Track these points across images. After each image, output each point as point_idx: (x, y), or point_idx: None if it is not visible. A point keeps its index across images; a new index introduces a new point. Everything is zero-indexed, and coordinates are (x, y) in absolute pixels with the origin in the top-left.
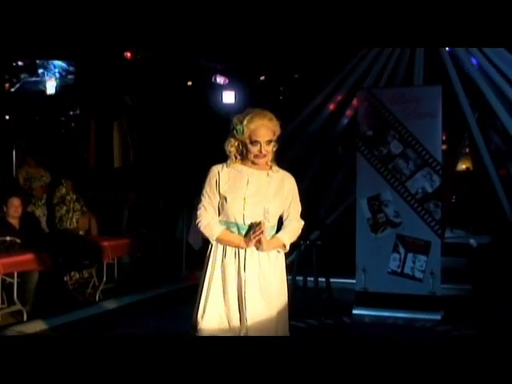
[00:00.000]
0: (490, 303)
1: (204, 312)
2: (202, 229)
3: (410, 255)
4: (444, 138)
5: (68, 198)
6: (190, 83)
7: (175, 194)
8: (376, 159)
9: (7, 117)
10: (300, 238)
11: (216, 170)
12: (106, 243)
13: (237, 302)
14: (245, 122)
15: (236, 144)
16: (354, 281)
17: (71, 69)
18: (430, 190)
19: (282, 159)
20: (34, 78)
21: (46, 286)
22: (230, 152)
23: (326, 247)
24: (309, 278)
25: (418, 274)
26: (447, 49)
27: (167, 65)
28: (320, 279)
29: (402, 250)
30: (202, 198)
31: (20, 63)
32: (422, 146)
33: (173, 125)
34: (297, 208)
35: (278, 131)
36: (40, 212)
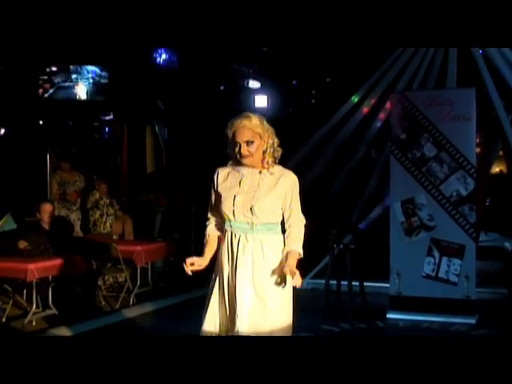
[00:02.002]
0: None
1: (205, 313)
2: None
3: (444, 259)
4: (478, 140)
5: (102, 202)
6: (222, 88)
7: (207, 199)
8: (410, 162)
9: (41, 122)
10: (333, 241)
11: (217, 171)
12: (139, 247)
13: (228, 302)
14: (229, 126)
15: (230, 149)
16: (387, 285)
17: (104, 74)
18: (464, 193)
19: (316, 162)
20: (67, 83)
21: (81, 290)
22: (229, 155)
23: (359, 251)
24: (342, 282)
25: (453, 278)
26: (480, 51)
27: (200, 69)
28: (354, 283)
29: (436, 254)
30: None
31: (54, 68)
32: (456, 149)
33: (205, 129)
34: (298, 207)
35: (263, 132)
36: (74, 217)
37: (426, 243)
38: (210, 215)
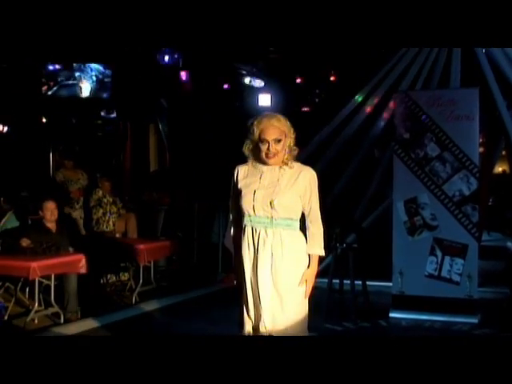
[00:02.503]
0: None
1: (242, 309)
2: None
3: (447, 258)
4: (481, 140)
5: (105, 200)
6: (225, 86)
7: (211, 197)
8: (413, 162)
9: (44, 120)
10: (336, 241)
11: (236, 169)
12: (142, 246)
13: (253, 296)
14: (255, 123)
15: (251, 145)
16: (390, 284)
17: (108, 72)
18: (467, 192)
19: (319, 161)
20: (70, 81)
21: (83, 288)
22: (246, 153)
23: (362, 250)
24: (345, 281)
25: (455, 277)
26: (483, 50)
27: (203, 67)
28: (356, 282)
29: (438, 253)
30: (230, 199)
31: (57, 66)
32: (459, 149)
33: (209, 128)
34: (317, 203)
35: (288, 131)
36: (77, 215)
37: (428, 242)
38: (232, 218)
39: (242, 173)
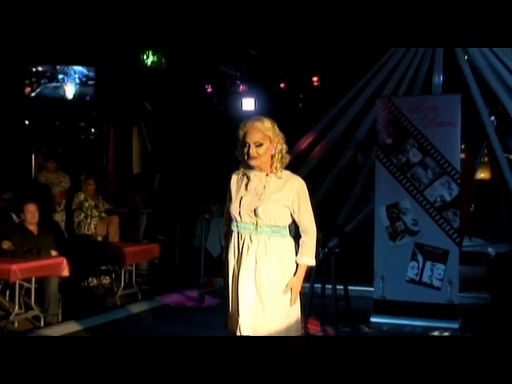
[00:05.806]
0: (507, 312)
1: (227, 310)
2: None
3: (428, 263)
4: (463, 146)
5: (86, 204)
6: (209, 90)
7: (194, 201)
8: (395, 167)
9: (27, 122)
10: (318, 245)
11: (231, 175)
12: (124, 249)
13: (232, 300)
14: (241, 127)
15: (240, 149)
16: (372, 289)
17: (91, 74)
18: (448, 198)
19: (302, 166)
20: (53, 84)
21: (64, 291)
22: (237, 157)
23: (344, 255)
24: (327, 286)
25: (436, 283)
26: (466, 57)
27: (187, 71)
28: (338, 287)
29: (420, 259)
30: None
31: (40, 68)
32: (441, 155)
33: (192, 131)
34: (307, 212)
35: (274, 136)
36: (58, 217)
37: (410, 248)
38: (225, 222)
39: (235, 179)
